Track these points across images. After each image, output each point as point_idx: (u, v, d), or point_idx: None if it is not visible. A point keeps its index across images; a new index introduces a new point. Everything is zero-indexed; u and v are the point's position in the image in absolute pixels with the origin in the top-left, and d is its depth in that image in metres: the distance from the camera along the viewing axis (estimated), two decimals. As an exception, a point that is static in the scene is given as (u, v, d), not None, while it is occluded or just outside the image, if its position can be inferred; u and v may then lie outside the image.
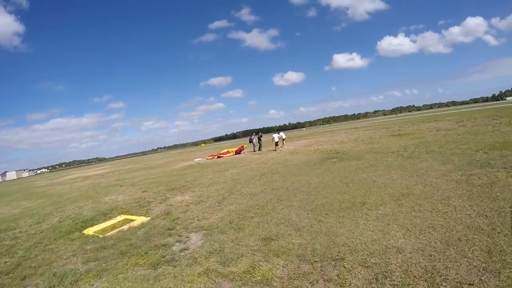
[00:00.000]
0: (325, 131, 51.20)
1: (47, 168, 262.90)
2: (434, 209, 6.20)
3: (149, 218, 8.88)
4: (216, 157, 27.55)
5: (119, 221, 9.11)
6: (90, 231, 8.41)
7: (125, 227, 8.19)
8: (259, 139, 28.17)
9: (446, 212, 5.98)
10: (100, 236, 7.71)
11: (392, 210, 6.46)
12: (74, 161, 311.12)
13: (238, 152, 27.52)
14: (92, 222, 9.55)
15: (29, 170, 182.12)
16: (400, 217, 6.03)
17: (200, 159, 30.47)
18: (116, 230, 8.02)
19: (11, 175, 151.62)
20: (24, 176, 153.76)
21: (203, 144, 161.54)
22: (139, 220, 8.79)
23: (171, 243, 6.46)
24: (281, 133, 27.94)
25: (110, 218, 9.78)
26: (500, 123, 20.53)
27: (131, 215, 9.69)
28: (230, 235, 6.34)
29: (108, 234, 7.77)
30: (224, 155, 27.45)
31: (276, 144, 25.45)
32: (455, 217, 5.66)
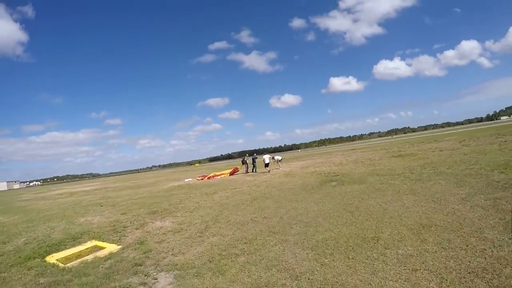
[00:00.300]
0: (321, 153, 49.95)
1: (40, 181, 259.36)
2: (467, 246, 4.95)
3: (120, 246, 7.77)
4: (207, 178, 26.01)
5: (87, 248, 8.09)
6: (53, 257, 7.49)
7: (91, 256, 7.19)
8: (253, 160, 26.72)
9: (484, 249, 4.75)
10: (61, 265, 6.72)
11: (416, 248, 5.11)
12: (67, 175, 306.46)
13: (231, 173, 26.04)
14: (58, 246, 8.48)
15: (21, 182, 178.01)
16: (428, 258, 4.72)
17: (191, 179, 28.88)
18: (79, 260, 7.02)
19: (1, 186, 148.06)
20: (15, 187, 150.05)
21: (198, 164, 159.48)
22: (108, 248, 7.76)
23: (134, 285, 5.15)
24: (277, 156, 26.67)
25: (79, 243, 8.70)
26: (505, 141, 19.61)
27: (103, 241, 8.61)
28: (206, 281, 4.92)
29: (70, 264, 6.77)
30: (217, 177, 25.95)
31: (266, 165, 24.17)
32: (497, 256, 4.45)
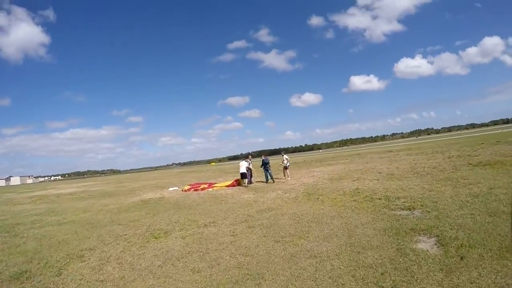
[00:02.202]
0: (349, 154, 41.03)
1: (59, 176, 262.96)
2: None
3: None
4: (197, 189, 18.33)
5: None
6: None
7: None
8: (265, 165, 18.40)
9: None
10: None
11: None
12: (88, 170, 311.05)
13: (230, 185, 18.15)
14: None
15: (34, 177, 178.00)
16: None
17: (176, 188, 21.35)
18: None
19: (15, 180, 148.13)
20: (28, 182, 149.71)
21: (213, 163, 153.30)
22: None
23: None
24: (285, 156, 19.18)
25: None
26: None
27: None
28: None
29: None
30: (210, 187, 18.27)
31: (243, 176, 17.55)
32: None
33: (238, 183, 17.94)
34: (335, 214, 8.24)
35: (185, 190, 18.66)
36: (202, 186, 18.67)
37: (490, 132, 55.72)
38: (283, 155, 19.26)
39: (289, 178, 18.30)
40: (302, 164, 32.70)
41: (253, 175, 18.44)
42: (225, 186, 17.98)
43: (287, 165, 18.72)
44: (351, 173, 17.51)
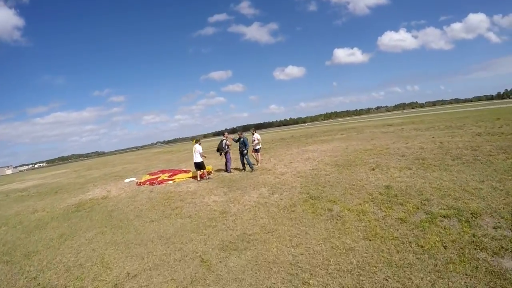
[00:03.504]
0: (344, 128, 36.08)
1: (44, 162, 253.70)
2: None
3: None
4: (157, 181, 13.68)
5: None
6: None
7: None
8: (242, 145, 13.21)
9: None
10: None
11: None
12: (73, 155, 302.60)
13: (199, 176, 13.42)
14: None
15: (14, 167, 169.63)
16: None
17: (133, 180, 16.73)
18: None
19: None
20: (7, 173, 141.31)
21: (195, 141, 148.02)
22: None
23: None
24: (255, 135, 14.22)
25: None
26: None
27: None
28: None
29: None
30: (170, 179, 13.66)
31: (198, 166, 12.53)
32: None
33: (207, 173, 13.42)
34: (389, 274, 3.87)
35: (140, 183, 14.11)
36: (161, 178, 14.08)
37: (488, 107, 52.42)
38: (253, 134, 14.34)
39: (259, 165, 14.02)
40: (290, 140, 28.13)
41: (230, 160, 13.70)
42: (190, 177, 13.45)
43: (258, 147, 14.16)
44: (360, 154, 13.13)
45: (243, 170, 13.10)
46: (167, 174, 15.18)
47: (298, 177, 9.99)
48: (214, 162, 16.55)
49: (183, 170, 16.15)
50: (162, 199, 9.97)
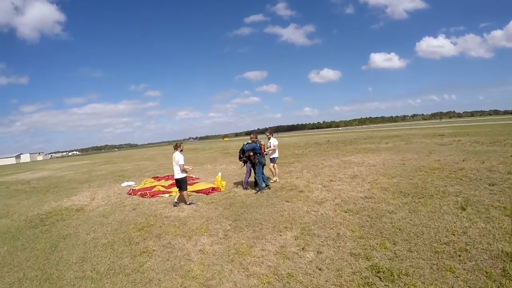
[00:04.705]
0: (386, 136, 30.83)
1: (80, 150, 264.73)
2: None
3: None
4: (149, 194, 10.44)
5: None
6: None
7: None
8: (255, 154, 9.46)
9: None
10: None
11: None
12: (106, 145, 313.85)
13: (205, 192, 10.08)
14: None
15: (45, 154, 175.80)
16: None
17: (130, 184, 13.76)
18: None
19: (25, 158, 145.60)
20: (38, 159, 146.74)
21: (226, 139, 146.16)
22: None
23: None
24: (271, 139, 10.59)
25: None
26: None
27: None
28: None
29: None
30: (166, 193, 10.36)
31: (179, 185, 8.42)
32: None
33: (217, 189, 10.01)
34: None
35: (131, 192, 11.09)
36: (156, 188, 10.90)
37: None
38: (268, 138, 10.72)
39: (276, 179, 10.58)
40: (326, 146, 24.09)
41: (248, 172, 10.02)
42: (194, 191, 10.11)
43: (274, 156, 10.51)
44: (427, 176, 9.17)
45: (257, 191, 9.21)
46: (168, 182, 12.13)
47: (346, 212, 6.32)
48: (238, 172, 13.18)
49: (189, 177, 13.05)
50: (136, 228, 6.71)
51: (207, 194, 9.56)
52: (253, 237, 5.44)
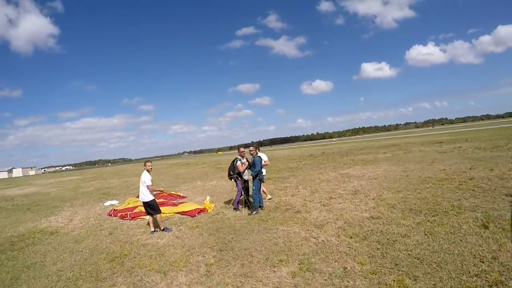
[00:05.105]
0: (384, 145, 29.53)
1: (74, 165, 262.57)
2: None
3: None
4: (129, 216, 9.38)
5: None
6: None
7: None
8: (252, 166, 8.41)
9: None
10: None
11: None
12: (100, 160, 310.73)
13: (190, 214, 8.86)
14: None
15: (38, 168, 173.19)
16: None
17: (114, 203, 12.70)
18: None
19: (17, 172, 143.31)
20: (30, 174, 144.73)
21: (220, 153, 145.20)
22: None
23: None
24: (260, 154, 8.76)
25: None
26: None
27: None
28: None
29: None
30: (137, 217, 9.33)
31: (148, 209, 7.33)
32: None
33: (204, 210, 9.01)
34: None
35: (112, 213, 10.13)
36: (138, 209, 9.85)
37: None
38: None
39: (269, 197, 9.65)
40: (322, 158, 23.22)
41: (239, 191, 8.88)
42: (178, 212, 9.13)
43: (263, 174, 8.72)
44: (435, 189, 8.30)
45: (251, 211, 8.16)
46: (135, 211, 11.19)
47: (351, 238, 5.37)
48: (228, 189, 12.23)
49: (176, 196, 12.23)
50: (107, 258, 5.79)
51: (192, 216, 8.54)
52: (240, 274, 4.46)
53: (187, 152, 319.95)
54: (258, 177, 8.20)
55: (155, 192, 7.68)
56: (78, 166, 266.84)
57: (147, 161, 7.37)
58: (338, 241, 5.29)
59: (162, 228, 7.26)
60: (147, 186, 7.06)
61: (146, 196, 7.12)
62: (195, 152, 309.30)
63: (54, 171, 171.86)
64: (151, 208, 7.19)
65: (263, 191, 9.21)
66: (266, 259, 4.86)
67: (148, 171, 7.23)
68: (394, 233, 5.40)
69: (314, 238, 5.56)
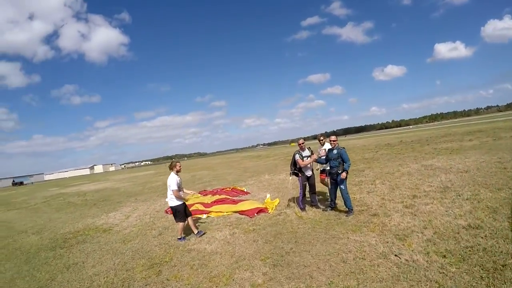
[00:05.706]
0: (466, 132, 24.26)
1: (152, 160, 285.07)
2: None
3: None
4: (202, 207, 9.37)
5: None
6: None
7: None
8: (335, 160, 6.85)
9: None
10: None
11: None
12: (176, 154, 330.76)
13: (247, 213, 8.14)
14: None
15: (117, 164, 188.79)
16: None
17: (192, 192, 12.07)
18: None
19: (98, 169, 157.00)
20: (110, 170, 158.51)
21: (293, 144, 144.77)
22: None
23: None
24: (325, 145, 7.51)
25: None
26: None
27: None
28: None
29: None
30: (206, 213, 8.92)
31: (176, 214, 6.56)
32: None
33: (264, 209, 8.10)
34: None
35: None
36: (195, 207, 9.42)
37: None
38: (321, 143, 7.87)
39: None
40: (400, 148, 20.50)
41: (302, 188, 7.61)
42: (237, 211, 8.37)
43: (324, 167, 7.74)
44: None
45: (327, 209, 7.15)
46: (213, 198, 11.06)
47: (445, 258, 3.94)
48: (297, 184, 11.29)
49: (240, 191, 12.00)
50: (146, 265, 5.39)
51: (251, 217, 7.71)
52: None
53: (261, 144, 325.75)
54: (344, 172, 6.59)
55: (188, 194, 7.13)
56: (156, 161, 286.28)
57: (175, 161, 6.67)
58: (428, 261, 3.95)
59: (196, 232, 6.64)
60: (172, 190, 6.32)
61: (171, 200, 6.46)
62: (269, 144, 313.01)
63: (133, 167, 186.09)
64: (175, 214, 6.53)
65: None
66: (329, 284, 3.77)
67: (178, 171, 6.54)
68: (502, 252, 3.90)
69: (395, 255, 4.27)
